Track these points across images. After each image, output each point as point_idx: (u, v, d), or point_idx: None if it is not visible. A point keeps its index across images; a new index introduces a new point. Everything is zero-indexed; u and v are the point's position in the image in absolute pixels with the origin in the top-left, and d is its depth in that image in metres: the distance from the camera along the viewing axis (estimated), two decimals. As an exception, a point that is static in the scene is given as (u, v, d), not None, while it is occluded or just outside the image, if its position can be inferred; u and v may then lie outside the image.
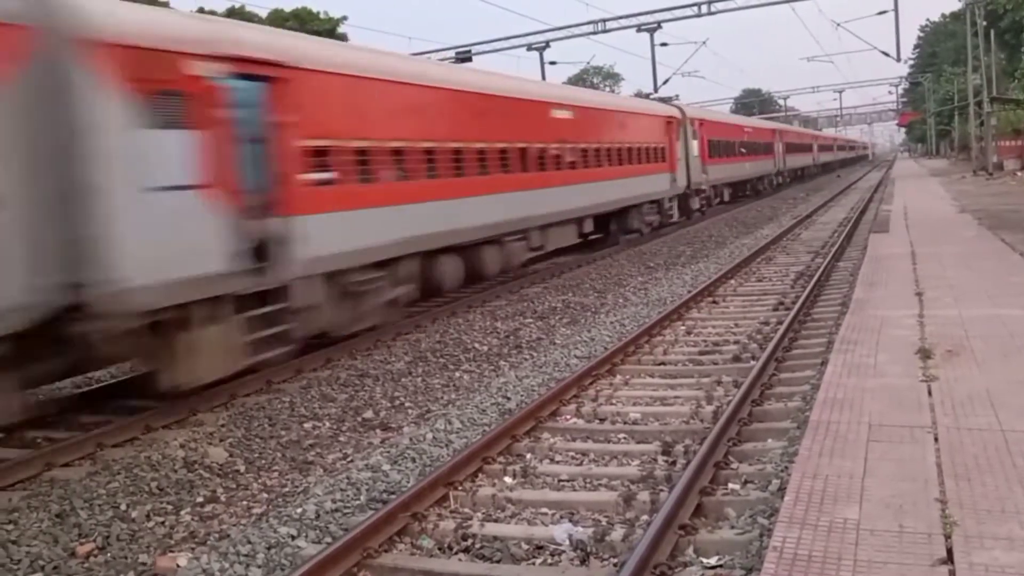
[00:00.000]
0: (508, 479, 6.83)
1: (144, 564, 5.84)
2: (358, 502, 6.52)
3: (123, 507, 6.77)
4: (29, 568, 5.85)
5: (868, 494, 4.87)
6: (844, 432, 5.96)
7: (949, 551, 4.12)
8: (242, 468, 7.63)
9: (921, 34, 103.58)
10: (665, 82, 43.62)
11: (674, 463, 6.88)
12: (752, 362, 9.67)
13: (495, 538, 5.72)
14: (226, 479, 7.38)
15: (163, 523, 6.51)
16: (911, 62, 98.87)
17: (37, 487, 7.22)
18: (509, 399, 9.11)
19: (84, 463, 7.77)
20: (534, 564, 5.41)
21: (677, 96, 38.77)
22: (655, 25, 40.37)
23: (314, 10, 47.35)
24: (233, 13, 34.06)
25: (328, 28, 44.12)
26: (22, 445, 8.34)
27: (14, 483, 7.28)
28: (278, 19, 40.55)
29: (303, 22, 41.59)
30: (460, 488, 6.59)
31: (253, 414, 9.08)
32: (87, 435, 8.24)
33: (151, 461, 7.69)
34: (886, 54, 38.55)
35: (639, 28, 40.46)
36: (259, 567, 5.50)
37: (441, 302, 15.18)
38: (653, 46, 42.25)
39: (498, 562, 5.45)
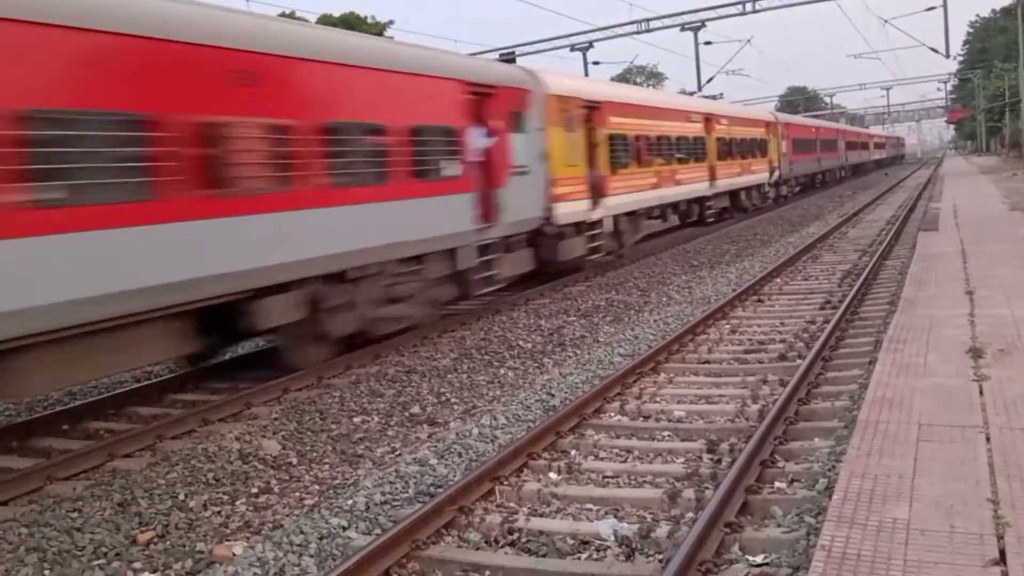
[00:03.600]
0: (553, 475, 6.91)
1: (201, 552, 6.02)
2: (406, 495, 6.65)
3: (181, 497, 6.98)
4: (93, 554, 6.06)
5: (918, 494, 4.86)
6: (893, 431, 5.94)
7: (1001, 552, 4.11)
8: (295, 460, 7.81)
9: (971, 29, 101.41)
10: (709, 80, 43.28)
11: (719, 461, 6.90)
12: (798, 361, 9.64)
13: (541, 532, 5.80)
14: (279, 471, 7.57)
15: (219, 513, 6.70)
16: (960, 58, 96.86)
17: (100, 477, 7.48)
18: (553, 396, 9.19)
19: (144, 454, 8.03)
20: (579, 559, 5.48)
21: (721, 94, 38.53)
22: (699, 24, 40.17)
23: (361, 15, 47.79)
24: (283, 16, 34.48)
25: (375, 32, 44.48)
26: (85, 436, 8.62)
27: (78, 473, 7.55)
28: (327, 23, 41.00)
29: (350, 26, 41.97)
30: (506, 483, 6.68)
31: (305, 408, 9.28)
32: (147, 427, 8.50)
33: (208, 453, 7.91)
34: (935, 50, 37.92)
35: (683, 27, 40.29)
36: (312, 557, 5.64)
37: (485, 300, 15.31)
38: (697, 45, 42.04)
39: (544, 556, 5.53)
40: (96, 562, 5.95)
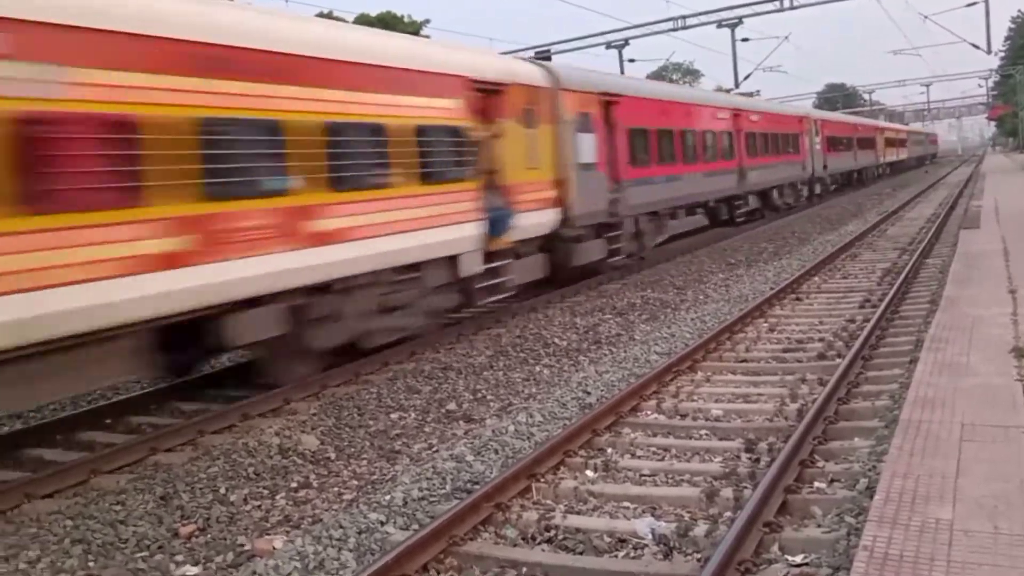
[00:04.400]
0: (590, 472, 6.91)
1: (242, 545, 6.10)
2: (443, 491, 6.69)
3: (222, 491, 7.08)
4: (136, 547, 6.16)
5: (961, 494, 4.81)
6: (936, 431, 5.87)
7: (1046, 553, 4.05)
8: (333, 456, 7.89)
9: (1012, 25, 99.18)
10: (746, 77, 42.84)
11: (758, 460, 6.86)
12: (838, 360, 9.54)
13: (577, 530, 5.80)
14: (318, 466, 7.65)
15: (259, 507, 6.79)
16: (1002, 54, 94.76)
17: (143, 471, 7.61)
18: (589, 394, 9.18)
19: (186, 448, 8.15)
20: (616, 557, 5.48)
21: (759, 91, 38.19)
22: (736, 20, 39.79)
23: (398, 14, 48.03)
24: (321, 16, 34.76)
25: (412, 31, 44.67)
26: (128, 431, 8.77)
27: (122, 466, 7.69)
28: (364, 23, 41.26)
29: (387, 25, 42.18)
30: (542, 480, 6.69)
31: (343, 404, 9.37)
32: (188, 422, 8.64)
33: (248, 447, 8.02)
34: (976, 46, 37.22)
35: (720, 24, 39.94)
36: (351, 551, 5.69)
37: (521, 297, 15.31)
38: (734, 41, 41.63)
39: (581, 554, 5.53)
40: (139, 554, 6.05)
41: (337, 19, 34.87)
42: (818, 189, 37.80)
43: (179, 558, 5.96)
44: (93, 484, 7.35)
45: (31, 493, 7.03)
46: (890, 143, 63.00)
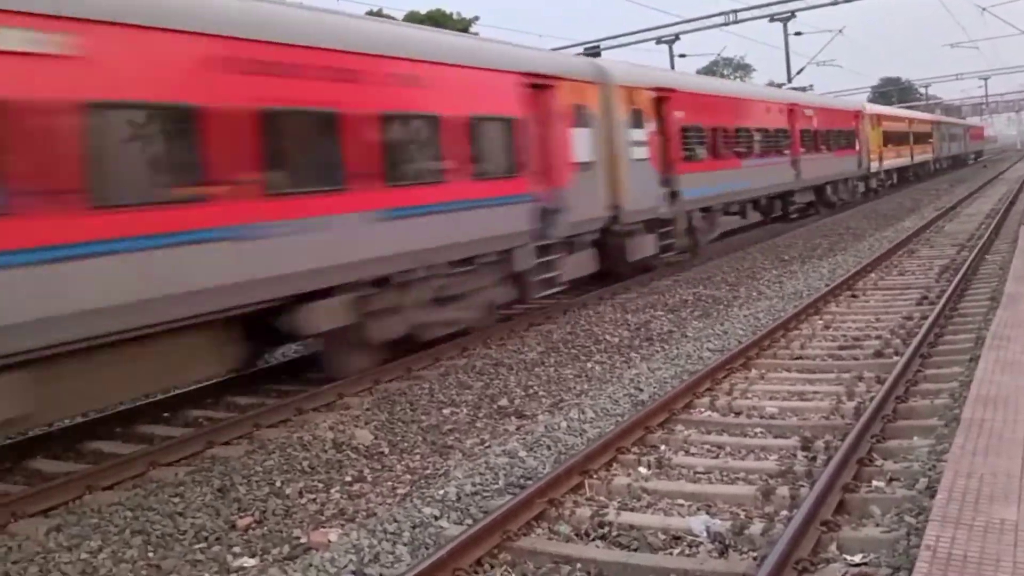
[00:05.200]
0: (643, 469, 6.87)
1: (298, 538, 6.17)
2: (496, 486, 6.70)
3: (278, 484, 7.18)
4: (194, 538, 6.28)
5: (1027, 494, 4.68)
6: (999, 430, 5.72)
7: (1118, 556, 3.92)
8: (386, 450, 7.95)
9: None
10: (799, 72, 42.11)
11: (814, 459, 6.75)
12: (896, 358, 9.35)
13: (631, 527, 5.77)
14: (372, 460, 7.71)
15: (315, 500, 6.87)
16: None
17: (200, 463, 7.75)
18: (642, 390, 9.13)
19: (242, 442, 8.28)
20: (671, 554, 5.43)
21: (812, 86, 37.57)
22: (789, 14, 39.22)
23: (447, 11, 48.21)
24: (370, 14, 35.05)
25: (461, 29, 44.81)
26: (185, 424, 8.94)
27: (179, 459, 7.83)
28: (413, 21, 41.50)
29: (437, 23, 42.38)
30: (595, 477, 6.67)
31: (395, 399, 9.44)
32: (244, 416, 8.78)
33: (303, 441, 8.12)
34: (1039, 36, 36.10)
35: (772, 18, 39.39)
36: (405, 545, 5.73)
37: (572, 294, 15.29)
38: (787, 35, 41.02)
39: (635, 551, 5.50)
40: (197, 546, 6.16)
41: (387, 17, 35.13)
42: (873, 184, 37.94)
43: (236, 550, 6.05)
44: (152, 476, 7.50)
45: (92, 485, 7.19)
46: (919, 139, 47.51)
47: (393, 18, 35.52)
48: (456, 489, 6.59)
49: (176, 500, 6.92)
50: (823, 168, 29.55)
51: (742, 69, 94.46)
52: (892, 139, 40.39)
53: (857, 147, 34.72)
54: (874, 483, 6.20)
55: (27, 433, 8.94)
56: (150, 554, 6.05)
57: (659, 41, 41.12)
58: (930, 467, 6.12)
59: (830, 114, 31.85)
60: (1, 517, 6.56)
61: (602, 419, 8.27)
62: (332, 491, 7.04)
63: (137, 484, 7.34)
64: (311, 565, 5.48)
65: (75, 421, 9.18)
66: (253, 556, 5.95)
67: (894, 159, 41.62)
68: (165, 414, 9.19)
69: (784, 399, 8.52)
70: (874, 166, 36.77)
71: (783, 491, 6.07)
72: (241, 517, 6.58)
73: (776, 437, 7.47)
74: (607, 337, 12.14)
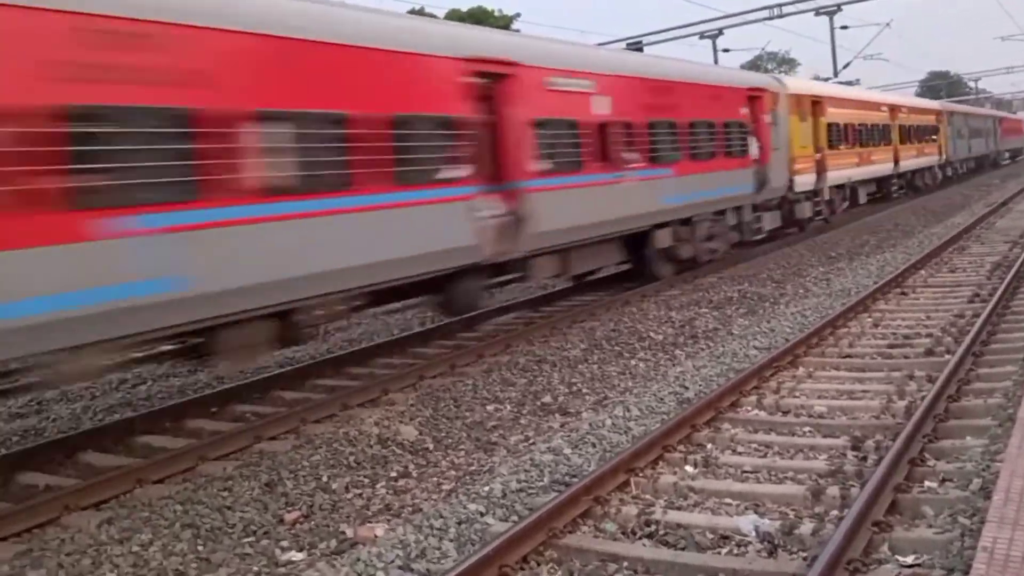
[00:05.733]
0: (689, 468, 6.80)
1: (344, 533, 6.22)
2: (541, 483, 6.69)
3: (324, 479, 7.24)
4: (243, 532, 6.35)
5: (1089, 497, 4.55)
6: (1059, 431, 5.57)
7: None
8: (431, 446, 7.98)
9: None
10: (845, 66, 41.43)
11: (865, 459, 6.63)
12: (947, 356, 9.15)
13: (678, 525, 5.72)
14: (417, 456, 7.74)
15: (361, 495, 6.91)
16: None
17: (248, 458, 7.82)
18: (687, 388, 9.05)
19: (288, 437, 8.34)
20: (720, 553, 5.38)
21: (858, 80, 36.98)
22: (835, 7, 38.61)
23: (488, 8, 48.24)
24: (412, 12, 35.16)
25: (502, 26, 44.83)
26: (233, 419, 9.04)
27: (228, 453, 7.92)
28: (455, 18, 41.59)
29: (478, 20, 42.43)
30: (641, 475, 6.62)
31: (439, 395, 9.47)
32: (291, 411, 8.86)
33: (348, 437, 8.17)
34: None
35: (818, 11, 38.82)
36: (451, 541, 5.74)
37: (614, 291, 15.21)
38: (832, 29, 40.45)
39: (683, 549, 5.45)
40: (246, 539, 6.23)
41: (428, 15, 35.23)
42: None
43: (284, 543, 6.11)
44: (201, 470, 7.59)
45: (143, 478, 7.29)
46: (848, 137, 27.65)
47: (435, 16, 35.56)
48: (501, 486, 6.59)
49: (225, 494, 7.00)
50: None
51: (786, 63, 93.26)
52: (850, 136, 26.86)
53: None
54: (926, 483, 6.08)
55: (78, 427, 9.16)
56: (200, 547, 6.13)
57: (702, 36, 40.72)
58: (984, 467, 6.00)
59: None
60: (54, 510, 6.69)
61: (647, 417, 8.21)
62: (378, 486, 7.08)
63: (186, 478, 7.43)
64: (358, 560, 5.51)
65: (124, 415, 9.36)
66: (301, 550, 6.00)
67: (853, 168, 27.01)
68: (213, 409, 9.30)
69: (833, 398, 8.38)
70: (801, 182, 22.21)
71: (833, 491, 5.98)
72: (288, 511, 6.64)
73: (825, 436, 7.35)
74: (651, 334, 12.05)
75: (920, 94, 77.13)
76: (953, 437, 6.94)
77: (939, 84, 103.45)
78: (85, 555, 6.03)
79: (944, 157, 39.62)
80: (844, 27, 42.14)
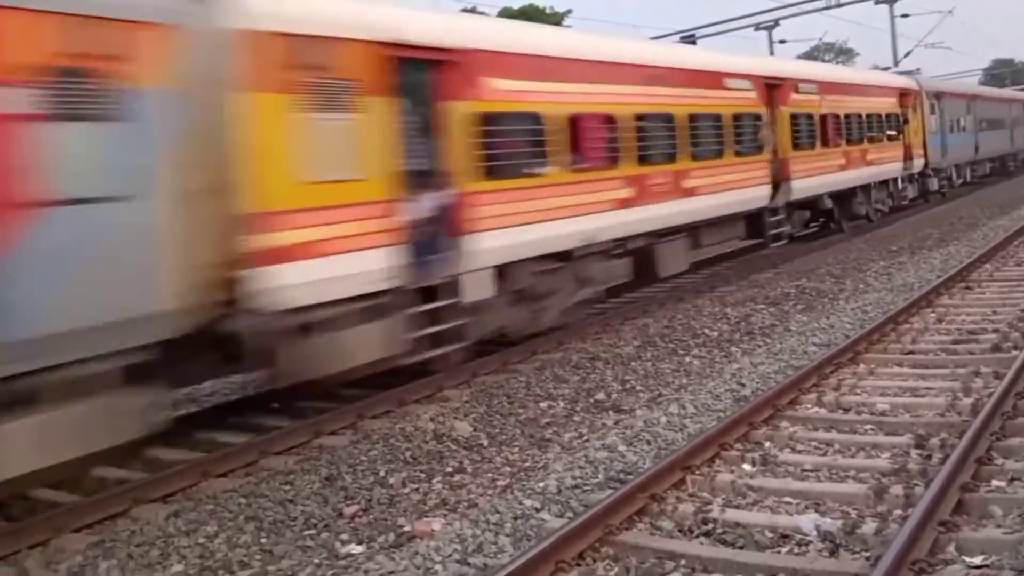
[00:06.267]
0: (747, 466, 6.73)
1: (402, 527, 6.28)
2: (596, 480, 6.68)
3: (382, 473, 7.32)
4: (304, 525, 6.46)
5: None
6: None
7: None
8: (485, 442, 8.02)
9: None
10: (906, 55, 40.51)
11: (929, 457, 6.49)
12: (1015, 352, 8.91)
13: (737, 524, 5.66)
14: (472, 452, 7.79)
15: (417, 490, 6.98)
16: None
17: (308, 452, 7.95)
18: (744, 386, 8.95)
19: (347, 432, 8.46)
20: (780, 553, 5.32)
21: (919, 70, 36.10)
22: (895, -5, 37.79)
23: (540, 5, 48.15)
24: (465, 12, 35.24)
25: (554, 22, 44.68)
26: (292, 415, 9.20)
27: (288, 448, 8.05)
28: (507, 16, 41.55)
29: (530, 18, 42.33)
30: (697, 472, 6.57)
31: (493, 392, 9.51)
32: (349, 406, 8.99)
33: (405, 432, 8.26)
34: None
35: (877, 0, 38.01)
36: (507, 536, 5.77)
37: (667, 288, 15.11)
38: (892, 18, 39.60)
39: (741, 548, 5.40)
40: (307, 532, 6.34)
41: (480, 14, 35.26)
42: (935, 185, 37.23)
43: (344, 537, 6.20)
44: (263, 464, 7.73)
45: (208, 472, 7.46)
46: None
47: (487, 15, 35.59)
48: (556, 482, 6.60)
49: (286, 488, 7.12)
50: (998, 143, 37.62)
51: (844, 54, 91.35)
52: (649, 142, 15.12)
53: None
54: (994, 483, 5.94)
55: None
56: (263, 539, 6.25)
57: (758, 27, 40.16)
58: (1055, 467, 5.83)
59: (1006, 100, 41.87)
60: (124, 503, 6.88)
61: (703, 414, 8.15)
62: (434, 481, 7.14)
63: (249, 472, 7.58)
64: (417, 553, 5.57)
65: (189, 410, 9.58)
66: (360, 543, 6.08)
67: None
68: (274, 404, 9.46)
69: (896, 395, 8.22)
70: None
71: (896, 490, 5.87)
72: (348, 505, 6.73)
73: (888, 434, 7.22)
74: (706, 331, 11.95)
75: (984, 82, 74.85)
76: (1021, 435, 6.76)
77: (1004, 72, 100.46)
78: (153, 546, 6.19)
79: (921, 163, 26.29)
80: (904, 15, 41.24)
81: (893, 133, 23.80)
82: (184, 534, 6.37)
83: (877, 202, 23.50)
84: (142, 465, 7.99)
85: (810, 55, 68.60)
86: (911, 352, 9.75)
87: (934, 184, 28.25)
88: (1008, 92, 41.73)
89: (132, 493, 7.01)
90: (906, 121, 24.93)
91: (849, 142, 20.79)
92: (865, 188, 22.25)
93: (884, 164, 23.22)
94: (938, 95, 28.51)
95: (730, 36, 42.66)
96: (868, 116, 22.31)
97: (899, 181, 24.84)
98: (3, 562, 6.10)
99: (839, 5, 37.44)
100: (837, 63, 78.78)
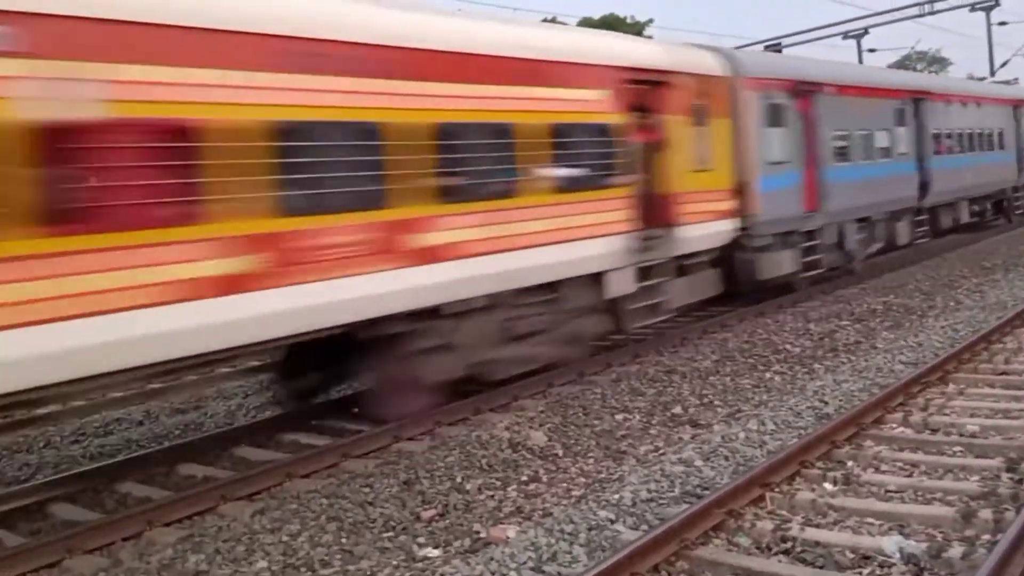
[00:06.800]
0: (828, 485, 6.61)
1: (478, 533, 6.36)
2: (672, 494, 6.65)
3: (458, 479, 7.42)
4: (383, 527, 6.59)
5: None
6: None
7: None
8: (560, 452, 8.05)
9: None
10: (1003, 64, 39.10)
11: (1021, 481, 6.28)
12: (1116, 376, 8.54)
13: (816, 543, 5.57)
14: (546, 461, 7.83)
15: (492, 497, 7.05)
16: None
17: (387, 456, 8.13)
18: (826, 403, 8.78)
19: (425, 438, 8.61)
20: (860, 573, 5.22)
21: (1016, 79, 34.85)
22: (992, 2, 36.47)
23: (621, 15, 48.10)
24: (545, 21, 35.42)
25: (635, 32, 44.55)
26: (372, 420, 9.39)
27: (368, 452, 8.25)
28: (587, 26, 41.64)
29: (610, 27, 42.30)
30: (777, 490, 6.49)
31: (568, 403, 9.53)
32: (427, 414, 9.13)
33: (481, 440, 8.34)
34: None
35: (973, 7, 36.76)
36: (582, 546, 5.79)
37: (748, 302, 14.89)
38: (989, 25, 38.23)
39: (821, 568, 5.31)
40: (386, 534, 6.47)
41: (560, 23, 35.40)
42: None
43: (421, 540, 6.31)
44: (344, 467, 7.93)
45: (292, 473, 7.69)
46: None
47: (566, 24, 35.70)
48: (631, 494, 6.59)
49: (366, 490, 7.28)
50: None
51: (937, 63, 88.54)
52: None
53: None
54: (1091, 510, 5.70)
55: (233, 423, 9.73)
56: (343, 540, 6.40)
57: (846, 36, 39.22)
58: None
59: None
60: (212, 499, 7.15)
61: (783, 431, 8.02)
62: (509, 489, 7.20)
63: (331, 474, 7.78)
64: (492, 559, 5.64)
65: (275, 413, 9.86)
66: (437, 547, 6.18)
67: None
68: (354, 409, 9.67)
69: (986, 416, 7.96)
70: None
71: (986, 514, 5.70)
72: (425, 509, 6.84)
73: (977, 457, 6.99)
74: (787, 347, 11.74)
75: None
76: (1120, 462, 6.48)
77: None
78: (240, 542, 6.40)
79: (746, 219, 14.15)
80: (1002, 23, 39.75)
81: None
82: (269, 531, 6.57)
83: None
84: (229, 464, 8.28)
85: (901, 64, 66.70)
86: (1003, 373, 9.42)
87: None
88: None
89: (220, 490, 7.27)
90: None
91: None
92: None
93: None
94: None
95: (816, 45, 41.79)
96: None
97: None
98: (99, 553, 6.39)
99: (932, 13, 36.32)
100: (930, 72, 76.35)
